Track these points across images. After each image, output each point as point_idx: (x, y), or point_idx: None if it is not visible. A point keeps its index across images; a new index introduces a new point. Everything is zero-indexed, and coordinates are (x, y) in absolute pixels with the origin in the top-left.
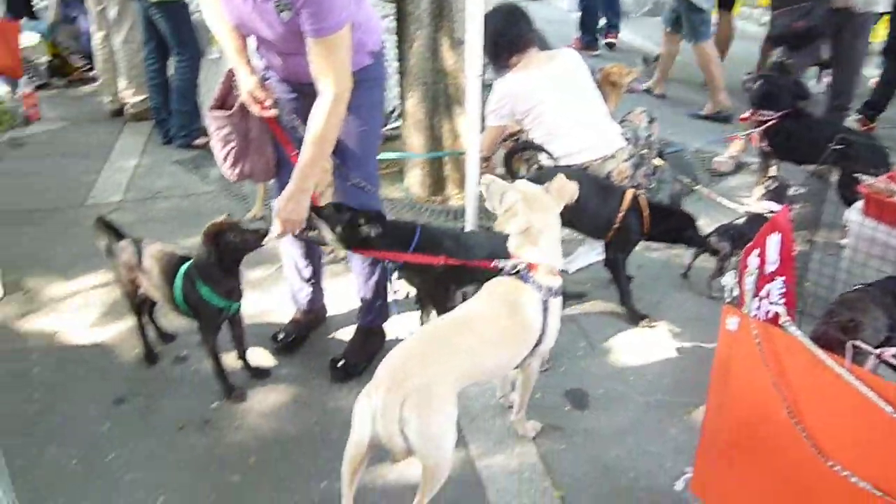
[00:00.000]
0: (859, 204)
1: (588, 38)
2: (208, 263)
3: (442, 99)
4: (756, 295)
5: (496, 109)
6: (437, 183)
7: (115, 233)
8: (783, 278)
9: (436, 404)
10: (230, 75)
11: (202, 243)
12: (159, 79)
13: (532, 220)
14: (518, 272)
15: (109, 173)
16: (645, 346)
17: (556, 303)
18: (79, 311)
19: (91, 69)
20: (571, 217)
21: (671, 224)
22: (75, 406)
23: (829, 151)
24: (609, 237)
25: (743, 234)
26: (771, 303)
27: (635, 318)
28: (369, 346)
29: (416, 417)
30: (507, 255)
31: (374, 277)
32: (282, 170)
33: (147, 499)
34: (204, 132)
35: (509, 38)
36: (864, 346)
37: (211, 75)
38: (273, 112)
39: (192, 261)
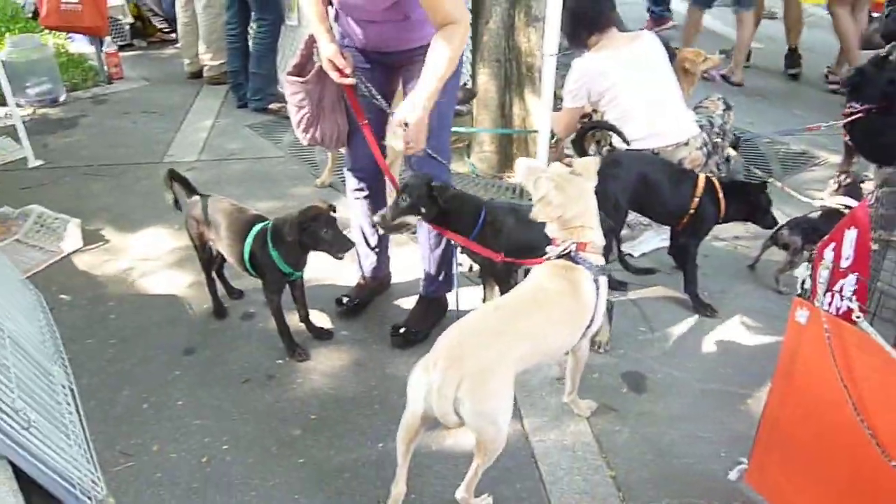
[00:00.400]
0: None
1: (659, 11)
2: (287, 234)
3: (514, 77)
4: (829, 289)
5: (573, 90)
6: (503, 160)
7: (187, 186)
8: (857, 275)
9: (491, 387)
10: (310, 42)
11: (294, 216)
12: (239, 43)
13: (566, 208)
14: (568, 254)
15: (186, 133)
16: (705, 335)
17: (604, 281)
18: (154, 263)
19: (171, 32)
20: (643, 204)
21: (747, 203)
22: (148, 353)
23: None
24: (683, 223)
25: (816, 229)
26: (843, 298)
27: (699, 306)
28: (431, 316)
29: (470, 399)
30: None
31: (440, 248)
32: (353, 138)
33: (213, 443)
34: (278, 98)
35: (591, 17)
36: None
37: (287, 41)
38: (351, 80)
39: (268, 223)
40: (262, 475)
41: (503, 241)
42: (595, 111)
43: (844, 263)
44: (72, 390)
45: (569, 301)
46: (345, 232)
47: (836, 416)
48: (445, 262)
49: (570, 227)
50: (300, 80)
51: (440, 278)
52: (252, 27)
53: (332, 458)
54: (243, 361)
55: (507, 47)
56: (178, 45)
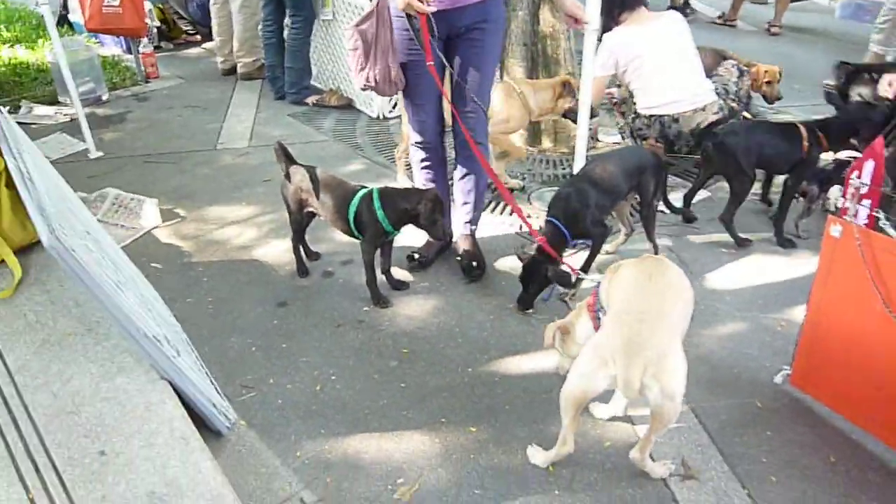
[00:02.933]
0: None
1: None
2: (394, 201)
3: (540, 58)
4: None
5: (603, 60)
6: (533, 135)
7: (289, 158)
8: (871, 205)
9: (671, 369)
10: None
11: (424, 192)
12: (275, 38)
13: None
14: None
15: (232, 123)
16: (738, 274)
17: None
18: (231, 234)
19: (196, 34)
20: (759, 162)
21: (845, 128)
22: (244, 307)
23: None
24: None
25: (830, 178)
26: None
27: (784, 241)
28: (477, 246)
29: (656, 384)
30: None
31: (476, 190)
32: (418, 111)
33: (321, 376)
34: (315, 91)
35: None
36: None
37: (321, 35)
38: (432, 7)
39: (371, 189)
40: (371, 397)
41: None
42: (619, 85)
43: (863, 190)
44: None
45: (684, 282)
46: None
47: (869, 313)
48: (479, 200)
49: None
50: (355, 24)
51: (477, 215)
52: (287, 23)
53: (429, 382)
54: (333, 310)
55: (534, 32)
56: (203, 45)
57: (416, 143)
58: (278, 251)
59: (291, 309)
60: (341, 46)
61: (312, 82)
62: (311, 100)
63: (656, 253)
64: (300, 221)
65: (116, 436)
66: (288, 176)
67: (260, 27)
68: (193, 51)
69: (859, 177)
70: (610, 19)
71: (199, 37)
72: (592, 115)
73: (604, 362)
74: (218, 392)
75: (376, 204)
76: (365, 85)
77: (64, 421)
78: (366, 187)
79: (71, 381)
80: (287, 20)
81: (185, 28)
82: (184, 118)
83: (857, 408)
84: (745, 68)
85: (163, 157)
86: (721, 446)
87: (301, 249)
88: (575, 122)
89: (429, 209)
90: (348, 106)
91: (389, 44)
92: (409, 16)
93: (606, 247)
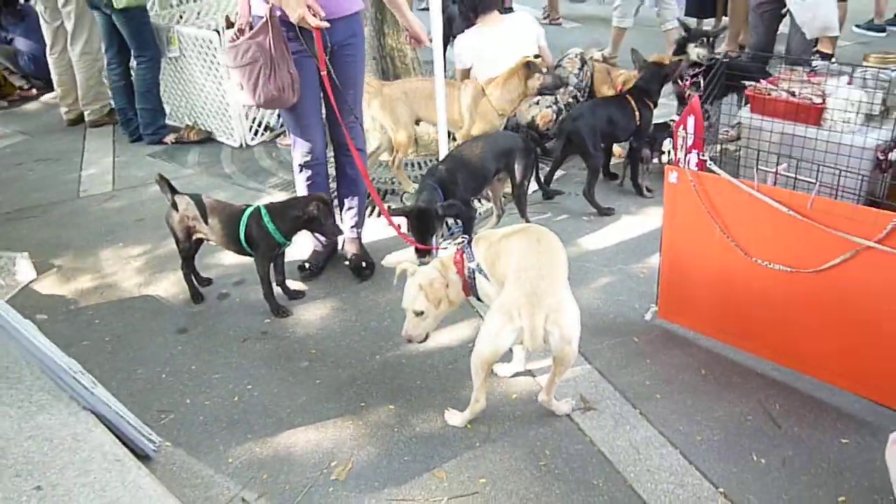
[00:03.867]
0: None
1: None
2: (283, 212)
3: (390, 69)
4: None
5: (459, 56)
6: None
7: (172, 188)
8: (696, 152)
9: (568, 313)
10: (246, 10)
11: (304, 199)
12: (123, 81)
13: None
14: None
15: (91, 170)
16: (598, 236)
17: None
18: (113, 276)
19: (31, 88)
20: (603, 136)
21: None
22: (144, 340)
23: None
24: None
25: (655, 139)
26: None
27: (641, 190)
28: (364, 248)
29: (557, 330)
30: None
31: (359, 196)
32: (309, 128)
33: (236, 388)
34: (172, 130)
35: (476, 3)
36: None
37: (168, 73)
38: (325, 24)
39: (256, 206)
40: (290, 397)
41: None
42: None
43: (689, 141)
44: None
45: (561, 244)
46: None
47: (710, 242)
48: (362, 209)
49: None
50: (248, 36)
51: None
52: (132, 66)
53: (341, 374)
54: (235, 328)
55: (381, 45)
56: (41, 99)
57: (305, 163)
58: (167, 283)
59: (193, 333)
60: (192, 82)
61: (168, 121)
62: (169, 139)
63: None
64: (189, 249)
65: (49, 470)
66: (174, 205)
67: (104, 72)
68: (31, 105)
69: (685, 129)
70: (466, 21)
71: (34, 90)
72: None
73: (510, 317)
74: (136, 419)
75: (265, 219)
76: (268, 97)
77: None
78: (251, 205)
79: None
80: (133, 62)
81: (17, 83)
82: (37, 172)
83: (714, 325)
84: (588, 60)
85: (24, 212)
86: (610, 379)
87: (192, 277)
88: (553, 95)
89: (322, 210)
90: (208, 139)
91: (286, 53)
92: (300, 29)
93: (480, 230)
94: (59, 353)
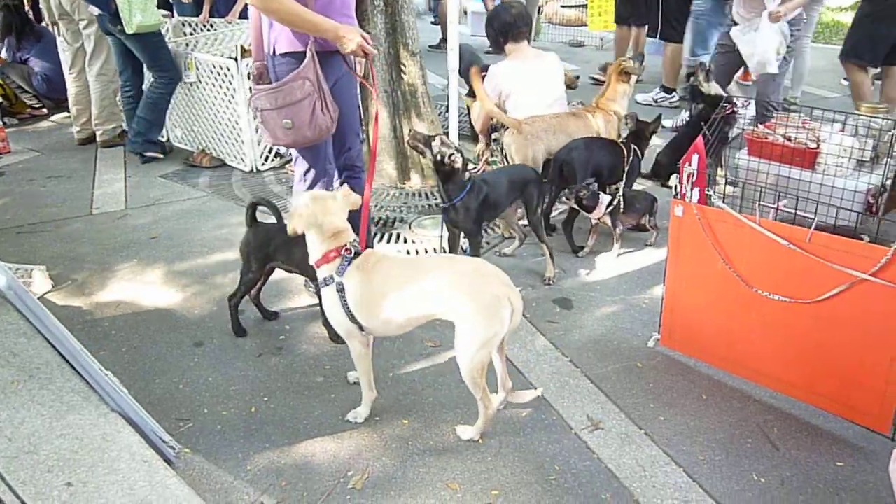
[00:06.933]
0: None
1: None
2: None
3: (401, 102)
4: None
5: (490, 88)
6: (402, 172)
7: (254, 217)
8: (699, 188)
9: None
10: (259, 52)
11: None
12: (135, 103)
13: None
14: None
15: (103, 188)
16: (603, 268)
17: None
18: (129, 289)
19: (42, 107)
20: (597, 170)
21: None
22: (162, 351)
23: None
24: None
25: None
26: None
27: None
28: None
29: (518, 302)
30: None
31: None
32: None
33: (254, 399)
34: (159, 149)
35: (507, 29)
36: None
37: (182, 96)
38: (375, 51)
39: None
40: (306, 410)
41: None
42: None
43: (694, 178)
44: None
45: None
46: None
47: (713, 273)
48: None
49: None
50: (296, 74)
51: None
52: (150, 78)
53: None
54: (250, 343)
55: (392, 78)
56: (51, 118)
57: (317, 178)
58: (182, 299)
59: (209, 347)
60: (205, 107)
61: (179, 144)
62: (150, 154)
63: (550, 254)
64: (258, 281)
65: (79, 467)
66: (254, 233)
67: (118, 95)
68: (42, 124)
69: (690, 166)
70: (497, 47)
71: (45, 109)
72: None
73: (507, 298)
74: (157, 425)
75: None
76: (323, 127)
77: (24, 461)
78: None
79: (23, 424)
80: (151, 77)
81: (28, 102)
82: (49, 188)
83: (714, 353)
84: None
85: (36, 226)
86: (616, 401)
87: (256, 306)
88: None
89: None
90: (220, 165)
91: (326, 84)
92: (343, 57)
93: (506, 250)
94: (89, 356)
